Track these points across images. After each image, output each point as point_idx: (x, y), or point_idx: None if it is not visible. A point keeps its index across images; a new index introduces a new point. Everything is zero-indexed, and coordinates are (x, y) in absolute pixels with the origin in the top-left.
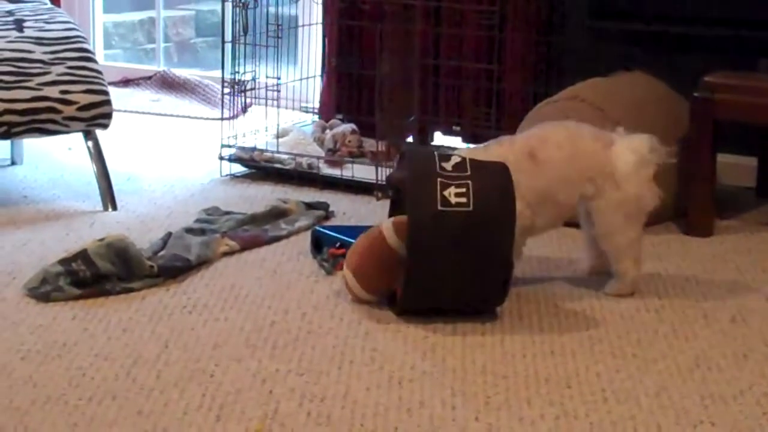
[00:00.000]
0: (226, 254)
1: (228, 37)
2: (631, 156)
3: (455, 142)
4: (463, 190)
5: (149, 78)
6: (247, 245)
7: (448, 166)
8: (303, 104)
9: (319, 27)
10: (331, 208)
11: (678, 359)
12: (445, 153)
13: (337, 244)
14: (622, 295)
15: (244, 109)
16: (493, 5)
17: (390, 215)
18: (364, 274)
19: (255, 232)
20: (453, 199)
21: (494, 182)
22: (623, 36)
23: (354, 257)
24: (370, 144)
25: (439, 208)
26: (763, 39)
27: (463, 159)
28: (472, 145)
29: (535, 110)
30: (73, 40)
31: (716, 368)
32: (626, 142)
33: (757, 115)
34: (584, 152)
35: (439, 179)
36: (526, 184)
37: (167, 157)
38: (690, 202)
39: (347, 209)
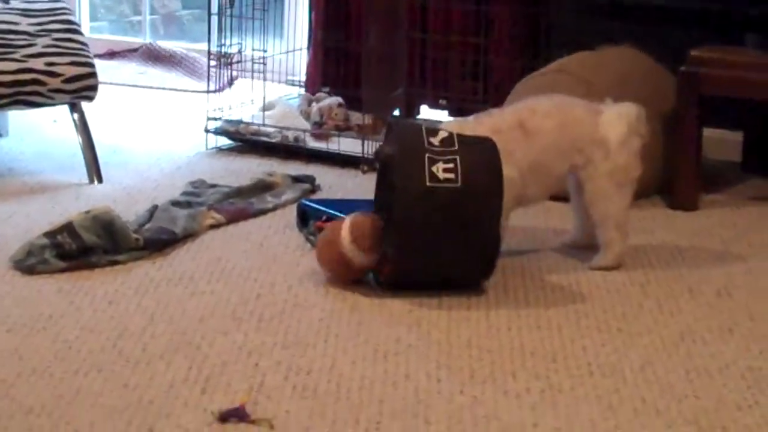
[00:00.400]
0: (212, 227)
1: (214, 9)
2: (621, 124)
3: (442, 115)
4: (451, 165)
5: (135, 50)
6: (233, 218)
7: (436, 141)
8: (289, 77)
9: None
10: (317, 182)
11: (663, 333)
12: (433, 127)
13: (323, 218)
14: (609, 268)
15: (231, 82)
16: None
17: (376, 189)
18: (324, 268)
19: (241, 205)
20: (441, 175)
21: (482, 158)
22: (610, 10)
23: (316, 252)
24: (356, 117)
25: (428, 183)
26: (750, 14)
27: (450, 134)
28: (460, 118)
29: (521, 83)
30: (58, 11)
31: (701, 342)
32: (615, 111)
33: (743, 90)
34: (574, 121)
35: (426, 155)
36: (519, 155)
37: (153, 130)
38: (676, 176)
39: (333, 182)
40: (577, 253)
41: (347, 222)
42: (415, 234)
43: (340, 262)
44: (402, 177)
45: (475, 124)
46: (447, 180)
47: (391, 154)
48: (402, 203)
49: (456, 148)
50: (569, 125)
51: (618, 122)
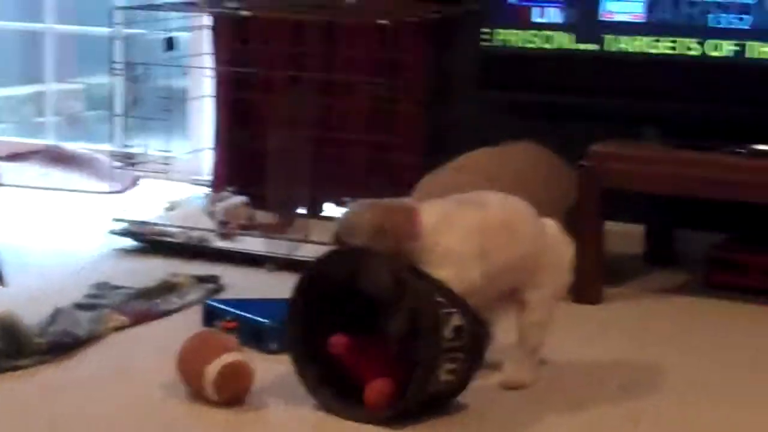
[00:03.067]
0: (116, 329)
1: (118, 110)
2: (569, 240)
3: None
4: (454, 366)
5: (38, 152)
6: (138, 319)
7: (448, 332)
8: (194, 177)
9: (210, 100)
10: (222, 281)
11: (570, 425)
12: (447, 309)
13: (229, 318)
14: (526, 385)
15: (135, 183)
16: (383, 77)
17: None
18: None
19: (145, 306)
20: (442, 377)
21: (480, 358)
22: (511, 106)
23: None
24: (262, 216)
25: (431, 390)
26: (649, 108)
27: (461, 325)
28: (445, 202)
29: (424, 181)
30: None
31: None
32: (553, 226)
33: (643, 183)
34: (543, 234)
35: (442, 357)
36: (494, 258)
37: (56, 232)
38: (579, 270)
39: (238, 282)
40: None
41: (214, 371)
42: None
43: (196, 386)
44: (418, 379)
45: (462, 216)
46: (446, 382)
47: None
48: (404, 404)
49: (464, 343)
50: (538, 238)
51: (566, 242)
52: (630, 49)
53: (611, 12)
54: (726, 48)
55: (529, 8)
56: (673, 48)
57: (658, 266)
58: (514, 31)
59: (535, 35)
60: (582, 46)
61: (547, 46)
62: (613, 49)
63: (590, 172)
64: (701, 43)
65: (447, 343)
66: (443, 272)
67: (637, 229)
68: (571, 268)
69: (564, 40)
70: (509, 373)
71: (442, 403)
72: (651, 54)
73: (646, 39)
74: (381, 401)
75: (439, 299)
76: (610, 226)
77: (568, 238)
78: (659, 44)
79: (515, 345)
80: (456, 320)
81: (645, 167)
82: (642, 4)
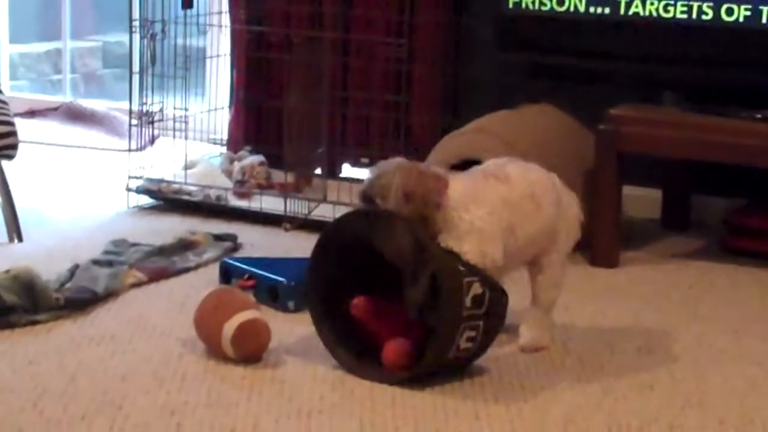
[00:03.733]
0: (133, 286)
1: (135, 68)
2: (575, 202)
3: (363, 174)
4: (474, 334)
5: (55, 109)
6: (155, 277)
7: (469, 300)
8: (211, 136)
9: (228, 58)
10: (239, 240)
11: (586, 389)
12: (469, 276)
13: (246, 276)
14: (544, 347)
15: (152, 141)
16: (401, 37)
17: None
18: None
19: (163, 263)
20: (462, 344)
21: (499, 327)
22: (530, 69)
23: (198, 315)
24: (278, 175)
25: (450, 355)
26: (667, 72)
27: (483, 292)
28: (469, 174)
29: (442, 142)
30: None
31: (623, 399)
32: (558, 182)
33: (661, 148)
34: (560, 199)
35: (462, 325)
36: (520, 233)
37: (74, 189)
38: (596, 234)
39: (255, 241)
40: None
41: (231, 326)
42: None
43: (214, 343)
44: (437, 344)
45: (486, 188)
46: (465, 350)
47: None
48: (421, 367)
49: (483, 311)
50: (557, 204)
51: (573, 199)
52: (642, 13)
53: None
54: (740, 12)
55: None
56: (687, 12)
57: (674, 231)
58: None
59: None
60: (598, 9)
61: (564, 8)
62: (629, 12)
63: (608, 136)
64: (714, 8)
65: (467, 311)
66: (466, 246)
67: (654, 194)
68: (579, 223)
69: (580, 3)
70: (528, 337)
71: (459, 366)
72: (668, 18)
73: (657, 3)
74: (398, 362)
75: (461, 267)
76: (627, 190)
77: (572, 193)
78: (672, 8)
79: (530, 306)
80: (476, 289)
81: (663, 131)
82: None
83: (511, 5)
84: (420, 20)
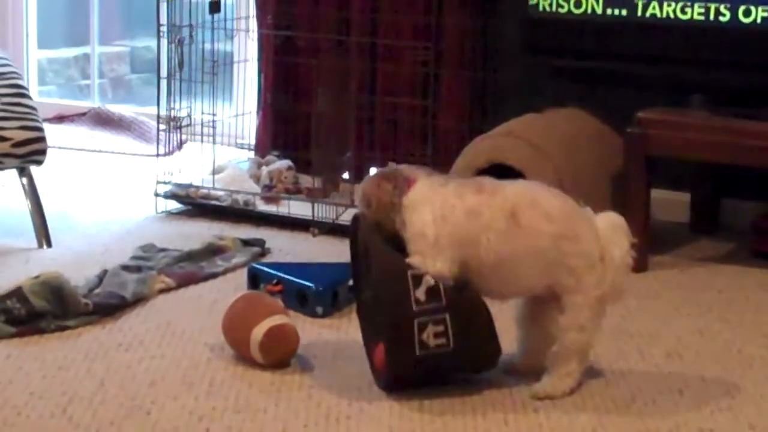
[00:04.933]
0: (162, 291)
1: (163, 73)
2: (624, 240)
3: None
4: (441, 328)
5: (84, 114)
6: (183, 282)
7: (422, 294)
8: (239, 141)
9: (255, 63)
10: (267, 245)
11: (614, 394)
12: (417, 272)
13: (274, 281)
14: (555, 396)
15: (180, 146)
16: (428, 41)
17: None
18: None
19: (191, 268)
20: (432, 341)
21: (474, 319)
22: (558, 72)
23: (225, 321)
24: (306, 180)
25: (418, 353)
26: (695, 76)
27: (436, 284)
28: (434, 180)
29: (470, 146)
30: (7, 76)
31: (652, 403)
32: (610, 222)
33: (690, 151)
34: (575, 236)
35: (416, 320)
36: (490, 246)
37: (102, 194)
38: None
39: (283, 246)
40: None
41: (260, 332)
42: (408, 380)
43: (243, 348)
44: (391, 349)
45: (457, 200)
46: (438, 345)
47: (374, 306)
48: (392, 374)
49: (444, 303)
50: (571, 239)
51: (622, 237)
52: (660, 15)
53: None
54: (758, 14)
55: None
56: (705, 14)
57: (703, 235)
58: None
59: (582, 1)
60: (623, 12)
61: (591, 12)
62: (647, 14)
63: (636, 139)
64: (731, 9)
65: (420, 305)
66: (411, 248)
67: (682, 197)
68: (626, 267)
69: (597, 5)
70: (540, 384)
71: (457, 367)
72: (696, 21)
73: (675, 4)
74: (382, 366)
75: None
76: (655, 193)
77: (622, 233)
78: (690, 9)
79: (553, 350)
80: (429, 281)
81: (691, 135)
82: None
83: (537, 9)
84: (447, 24)
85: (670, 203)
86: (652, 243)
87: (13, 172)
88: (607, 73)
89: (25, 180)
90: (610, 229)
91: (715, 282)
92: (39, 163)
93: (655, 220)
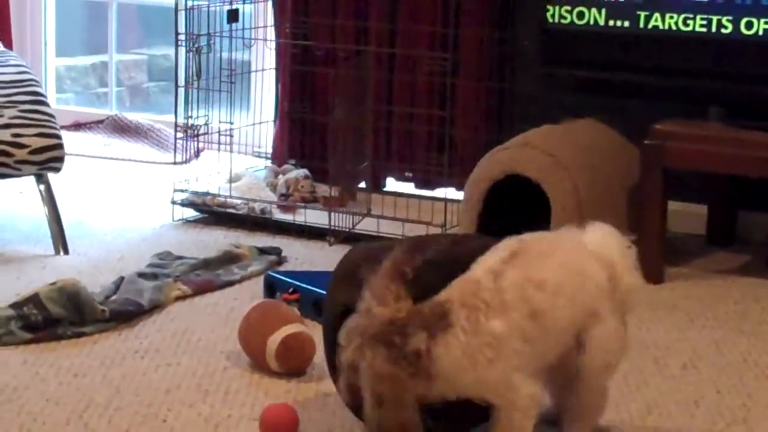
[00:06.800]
0: (178, 299)
1: (181, 81)
2: (614, 241)
3: (407, 188)
4: None
5: (101, 122)
6: (200, 290)
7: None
8: (256, 149)
9: (273, 72)
10: (283, 254)
11: (630, 406)
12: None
13: (291, 290)
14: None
15: (197, 154)
16: (445, 52)
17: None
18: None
19: (207, 276)
20: None
21: None
22: (575, 83)
23: (242, 330)
24: (322, 189)
25: None
26: (712, 88)
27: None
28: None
29: (487, 157)
30: (25, 83)
31: (668, 415)
32: (600, 234)
33: (707, 163)
34: (585, 283)
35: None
36: (538, 353)
37: (119, 201)
38: (641, 249)
39: (300, 254)
40: None
41: (276, 339)
42: None
43: (259, 356)
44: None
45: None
46: None
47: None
48: None
49: None
50: (581, 286)
51: (614, 249)
52: (680, 28)
53: None
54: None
55: None
56: (705, 26)
57: (719, 246)
58: (580, 8)
59: (601, 13)
60: (640, 24)
61: (608, 23)
62: (666, 27)
63: (653, 151)
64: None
65: None
66: None
67: (699, 209)
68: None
69: (602, 17)
70: None
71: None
72: (713, 33)
73: (677, 16)
74: None
75: None
76: (672, 205)
77: (616, 244)
78: (690, 22)
79: None
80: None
81: (708, 147)
82: None
83: (555, 20)
84: (464, 35)
85: (687, 215)
86: (668, 255)
87: (31, 179)
88: (624, 85)
89: (42, 187)
90: (604, 245)
91: (731, 294)
92: (57, 170)
93: (671, 232)
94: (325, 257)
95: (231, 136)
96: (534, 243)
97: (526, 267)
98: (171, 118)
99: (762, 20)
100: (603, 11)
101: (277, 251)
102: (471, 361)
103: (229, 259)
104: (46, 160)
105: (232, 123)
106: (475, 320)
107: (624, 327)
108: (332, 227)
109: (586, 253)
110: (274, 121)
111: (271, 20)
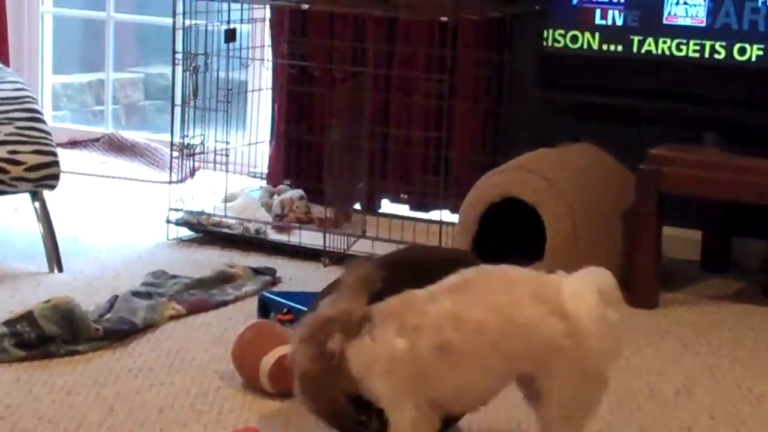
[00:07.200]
0: (172, 318)
1: (177, 100)
2: (591, 296)
3: (403, 209)
4: None
5: (97, 140)
6: (194, 309)
7: None
8: (251, 169)
9: (269, 92)
10: (278, 274)
11: (623, 430)
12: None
13: (284, 310)
14: None
15: (192, 173)
16: (442, 74)
17: None
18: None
19: (202, 296)
20: None
21: None
22: (571, 107)
23: (235, 350)
24: (317, 210)
25: None
26: (707, 113)
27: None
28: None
29: (483, 179)
30: (22, 100)
31: None
32: (577, 283)
33: (702, 189)
34: (523, 324)
35: None
36: (436, 385)
37: (114, 220)
38: (635, 274)
39: (294, 275)
40: None
41: (269, 361)
42: None
43: (252, 377)
44: None
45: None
46: None
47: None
48: None
49: None
50: (515, 333)
51: (589, 294)
52: (674, 53)
53: (674, 15)
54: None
55: (591, 10)
56: (699, 51)
57: (714, 272)
58: (574, 32)
59: (596, 37)
60: (635, 48)
61: (605, 48)
62: (662, 52)
63: (649, 176)
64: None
65: None
66: None
67: (694, 235)
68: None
69: (594, 42)
70: None
71: None
72: (708, 59)
73: (670, 41)
74: None
75: None
76: (667, 231)
77: (590, 291)
78: (684, 47)
79: None
80: None
81: (704, 172)
82: (704, 8)
83: (551, 44)
84: (461, 57)
85: (682, 241)
86: (662, 280)
87: (26, 196)
88: (620, 109)
89: (37, 204)
90: (579, 287)
91: (725, 320)
92: (52, 187)
93: (666, 258)
94: (320, 278)
95: (227, 155)
96: (489, 280)
97: (461, 302)
98: (167, 137)
99: (755, 46)
100: (596, 35)
101: (271, 272)
102: (369, 369)
103: (223, 278)
104: (42, 177)
105: (227, 143)
106: (384, 332)
107: (596, 384)
108: (327, 248)
109: (544, 303)
110: (270, 142)
111: (268, 40)
